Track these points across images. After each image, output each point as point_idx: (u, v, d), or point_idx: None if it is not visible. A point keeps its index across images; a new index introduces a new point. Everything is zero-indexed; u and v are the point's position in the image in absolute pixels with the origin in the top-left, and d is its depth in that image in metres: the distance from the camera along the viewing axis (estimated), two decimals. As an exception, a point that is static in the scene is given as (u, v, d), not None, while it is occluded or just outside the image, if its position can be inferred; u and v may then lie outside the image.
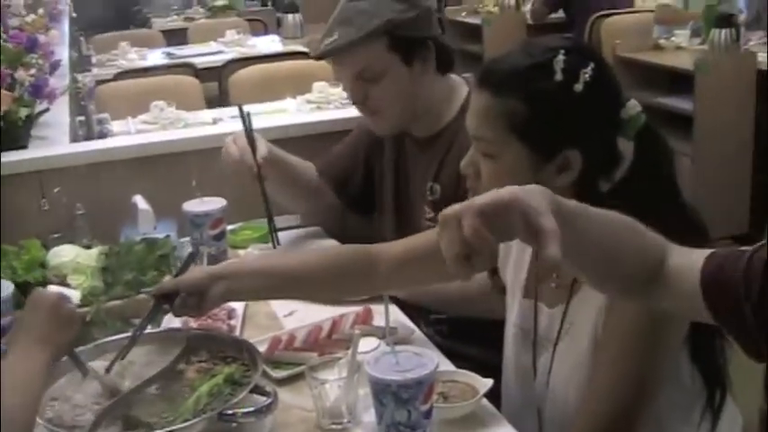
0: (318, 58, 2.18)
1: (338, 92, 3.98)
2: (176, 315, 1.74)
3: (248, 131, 2.20)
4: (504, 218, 0.99)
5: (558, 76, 1.44)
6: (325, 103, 3.89)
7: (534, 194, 1.01)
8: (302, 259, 1.86)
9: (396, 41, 2.09)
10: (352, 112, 3.16)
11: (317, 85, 4.01)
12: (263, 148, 2.20)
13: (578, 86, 1.44)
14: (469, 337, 2.05)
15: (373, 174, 2.39)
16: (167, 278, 1.86)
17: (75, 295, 1.93)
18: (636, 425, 1.43)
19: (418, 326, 2.04)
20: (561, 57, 1.45)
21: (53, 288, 1.93)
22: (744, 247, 1.15)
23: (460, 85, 2.22)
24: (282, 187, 2.32)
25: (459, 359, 1.77)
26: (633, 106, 1.50)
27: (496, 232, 0.99)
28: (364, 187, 2.40)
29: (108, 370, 1.64)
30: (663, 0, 6.07)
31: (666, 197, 1.51)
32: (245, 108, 2.25)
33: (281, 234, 2.44)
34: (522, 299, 1.67)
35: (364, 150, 2.39)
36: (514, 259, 1.71)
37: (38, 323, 1.55)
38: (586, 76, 1.45)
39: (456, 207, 1.01)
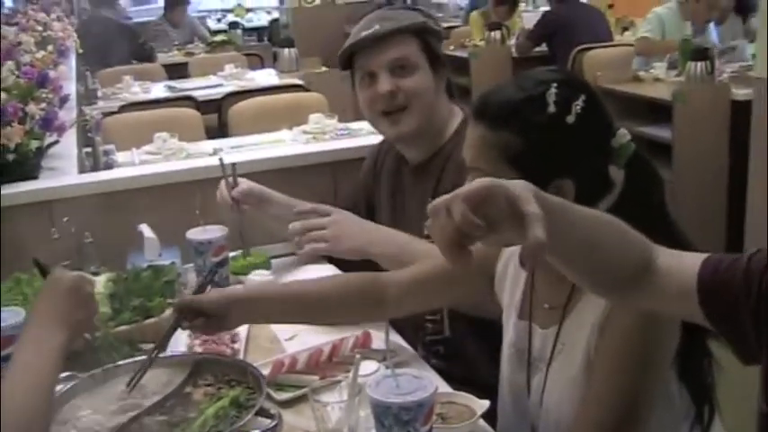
0: (354, 48, 2.18)
1: (333, 123, 3.98)
2: (194, 331, 1.78)
3: (225, 174, 2.35)
4: (490, 204, 0.99)
5: (551, 109, 1.45)
6: (321, 134, 3.87)
7: (518, 185, 1.00)
8: (315, 286, 1.87)
9: (426, 45, 2.16)
10: (348, 143, 3.19)
11: (314, 117, 4.00)
12: (243, 185, 2.34)
13: (570, 118, 1.44)
14: (465, 357, 2.04)
15: (373, 210, 2.38)
16: (186, 294, 1.84)
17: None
18: None
19: (414, 347, 2.05)
20: (553, 90, 1.45)
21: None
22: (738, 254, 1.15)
23: (458, 112, 2.23)
24: (267, 217, 2.36)
25: (454, 380, 1.76)
26: (623, 135, 1.50)
27: (484, 219, 0.98)
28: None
29: (129, 386, 1.63)
30: (641, 33, 6.10)
31: (657, 221, 1.50)
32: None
33: (278, 261, 2.46)
34: (516, 320, 1.66)
35: (364, 190, 2.40)
36: (510, 281, 1.70)
37: (55, 302, 1.49)
38: (578, 107, 1.45)
39: (444, 197, 1.01)
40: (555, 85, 1.46)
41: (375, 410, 1.40)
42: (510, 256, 1.70)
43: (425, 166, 2.21)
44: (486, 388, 1.71)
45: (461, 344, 2.08)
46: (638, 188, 1.50)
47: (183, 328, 1.74)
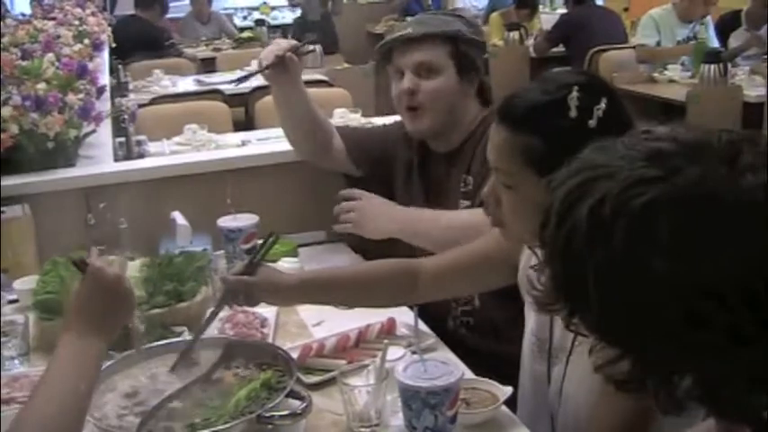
0: (387, 46, 2.25)
1: (357, 117, 3.98)
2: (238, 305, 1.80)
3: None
4: None
5: (573, 113, 1.43)
6: (346, 128, 3.88)
7: None
8: (351, 273, 1.96)
9: (456, 51, 2.20)
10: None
11: (338, 111, 4.01)
12: (283, 43, 2.35)
13: (592, 122, 1.42)
14: (494, 330, 2.04)
15: (392, 168, 2.40)
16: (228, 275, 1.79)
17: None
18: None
19: (445, 319, 2.11)
20: (575, 93, 1.43)
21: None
22: None
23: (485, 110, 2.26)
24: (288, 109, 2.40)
25: (481, 355, 1.80)
26: (643, 137, 1.48)
27: None
28: (373, 167, 2.43)
29: (174, 367, 1.66)
30: (639, 40, 6.05)
31: None
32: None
33: (305, 249, 2.47)
34: (538, 311, 1.65)
35: (393, 145, 2.41)
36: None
37: (95, 305, 1.39)
38: (599, 112, 1.43)
39: None
40: (577, 88, 1.44)
41: (403, 394, 1.41)
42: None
43: (455, 155, 2.26)
44: (513, 363, 1.72)
45: (491, 316, 2.10)
46: None
47: (230, 306, 1.78)
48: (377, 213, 2.18)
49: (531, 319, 1.68)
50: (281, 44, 2.34)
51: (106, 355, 1.44)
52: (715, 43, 5.82)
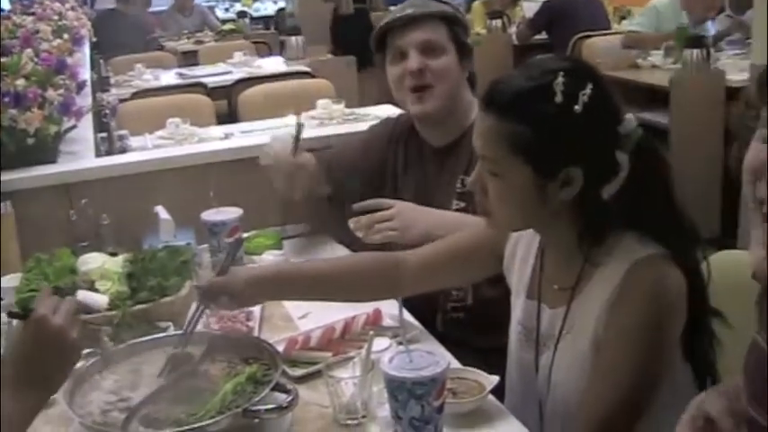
0: (388, 27, 2.23)
1: (341, 108, 3.97)
2: (219, 308, 1.83)
3: (297, 139, 2.27)
4: None
5: (559, 98, 1.42)
6: (329, 119, 3.87)
7: None
8: (334, 266, 1.92)
9: (454, 34, 2.21)
10: (356, 126, 3.17)
11: (321, 102, 4.00)
12: (308, 157, 2.32)
13: (578, 108, 1.42)
14: (484, 327, 2.03)
15: (382, 178, 2.36)
16: (206, 276, 1.85)
17: (103, 300, 1.92)
18: (634, 421, 1.42)
19: (435, 313, 2.11)
20: (561, 79, 1.42)
21: (82, 293, 1.91)
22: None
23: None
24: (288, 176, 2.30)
25: (468, 348, 1.80)
26: (630, 121, 1.48)
27: None
28: (363, 185, 2.37)
29: (162, 373, 1.64)
30: (633, 26, 6.04)
31: (663, 206, 1.49)
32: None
33: (289, 242, 2.46)
34: (525, 299, 1.65)
35: (377, 152, 2.38)
36: (519, 262, 1.69)
37: (37, 357, 1.30)
38: (585, 97, 1.42)
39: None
40: (562, 74, 1.43)
41: (389, 385, 1.40)
42: (518, 238, 1.70)
43: (451, 149, 2.24)
44: (497, 355, 1.71)
45: (482, 313, 2.09)
46: (644, 173, 1.47)
47: (210, 310, 1.78)
48: (415, 217, 2.11)
49: (518, 307, 1.68)
50: (280, 158, 2.29)
51: (45, 404, 1.36)
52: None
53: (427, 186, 2.27)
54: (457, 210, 2.17)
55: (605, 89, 1.48)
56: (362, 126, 2.95)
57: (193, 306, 1.77)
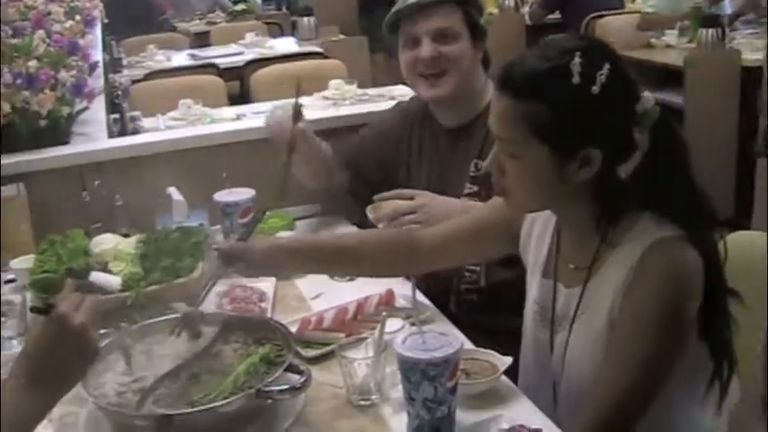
0: (401, 14, 2.21)
1: (353, 89, 3.96)
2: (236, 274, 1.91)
3: (297, 104, 2.27)
4: None
5: (576, 79, 1.40)
6: (341, 100, 3.87)
7: None
8: (352, 240, 1.97)
9: (468, 17, 2.20)
10: (368, 107, 3.16)
11: (334, 83, 3.99)
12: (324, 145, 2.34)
13: (595, 88, 1.40)
14: (496, 309, 2.03)
15: (397, 162, 2.35)
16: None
17: (116, 281, 1.92)
18: (649, 401, 1.41)
19: (448, 294, 2.10)
20: (578, 59, 1.40)
21: (96, 274, 1.91)
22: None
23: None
24: (305, 162, 2.30)
25: (484, 332, 1.79)
26: (648, 99, 1.46)
27: None
28: (379, 173, 2.37)
29: (173, 331, 1.67)
30: (648, 7, 5.97)
31: (680, 184, 1.48)
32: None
33: (301, 222, 2.46)
34: (541, 278, 1.65)
35: (391, 138, 2.37)
36: (535, 241, 1.69)
37: (54, 355, 1.27)
38: (602, 77, 1.40)
39: None
40: (579, 54, 1.41)
41: (402, 366, 1.40)
42: (535, 218, 1.69)
43: (465, 130, 2.23)
44: (511, 342, 1.71)
45: (495, 295, 2.09)
46: (662, 151, 1.46)
47: (227, 274, 1.80)
48: (439, 208, 2.10)
49: (534, 287, 1.67)
50: (282, 124, 2.28)
51: (55, 404, 1.31)
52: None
53: (441, 168, 2.27)
54: (469, 193, 2.17)
55: (622, 68, 1.46)
56: (375, 107, 2.95)
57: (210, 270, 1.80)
